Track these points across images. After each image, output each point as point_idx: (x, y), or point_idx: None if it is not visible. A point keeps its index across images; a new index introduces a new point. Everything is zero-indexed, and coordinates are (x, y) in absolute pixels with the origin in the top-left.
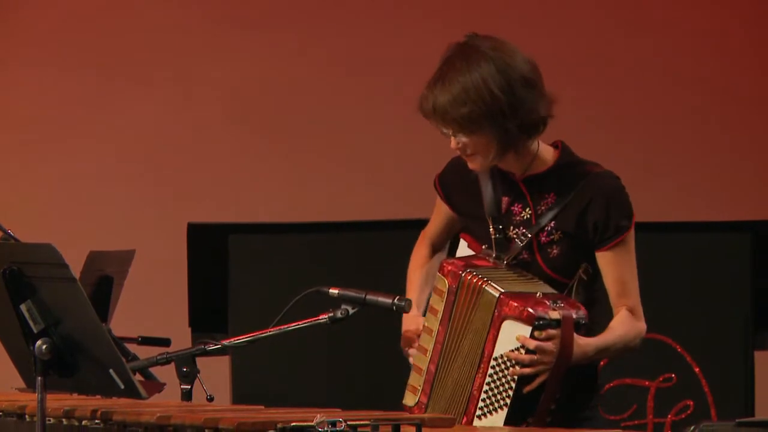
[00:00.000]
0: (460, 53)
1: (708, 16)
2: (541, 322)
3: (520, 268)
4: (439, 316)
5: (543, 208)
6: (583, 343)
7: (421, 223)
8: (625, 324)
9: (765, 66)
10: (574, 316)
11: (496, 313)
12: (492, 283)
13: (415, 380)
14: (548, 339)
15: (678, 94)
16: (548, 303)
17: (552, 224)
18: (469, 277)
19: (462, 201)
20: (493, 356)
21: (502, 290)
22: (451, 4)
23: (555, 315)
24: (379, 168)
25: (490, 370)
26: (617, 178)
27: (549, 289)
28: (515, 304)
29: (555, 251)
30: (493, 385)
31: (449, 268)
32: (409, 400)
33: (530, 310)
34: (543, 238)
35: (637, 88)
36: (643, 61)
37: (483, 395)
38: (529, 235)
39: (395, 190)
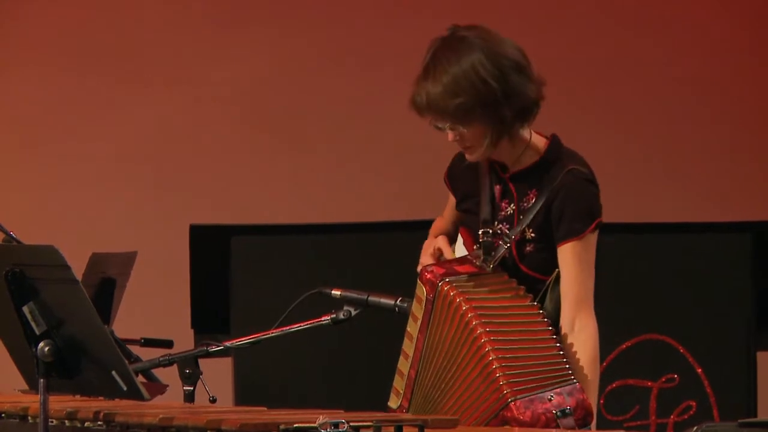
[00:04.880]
0: (446, 45)
1: (710, 16)
2: None
3: (503, 270)
4: (419, 323)
5: (525, 204)
6: None
7: (425, 224)
8: (589, 363)
9: (766, 66)
10: None
11: (501, 414)
12: (504, 371)
13: (398, 383)
14: None
15: (679, 94)
16: (554, 412)
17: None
18: (446, 288)
19: (464, 195)
20: None
21: (513, 396)
22: (456, 0)
23: None
24: (383, 169)
25: None
26: (587, 180)
27: (551, 354)
28: (521, 419)
29: (529, 248)
30: None
31: (428, 276)
32: (393, 402)
33: None
34: (519, 235)
35: (637, 88)
36: (644, 61)
37: None
38: (513, 237)
39: (398, 191)
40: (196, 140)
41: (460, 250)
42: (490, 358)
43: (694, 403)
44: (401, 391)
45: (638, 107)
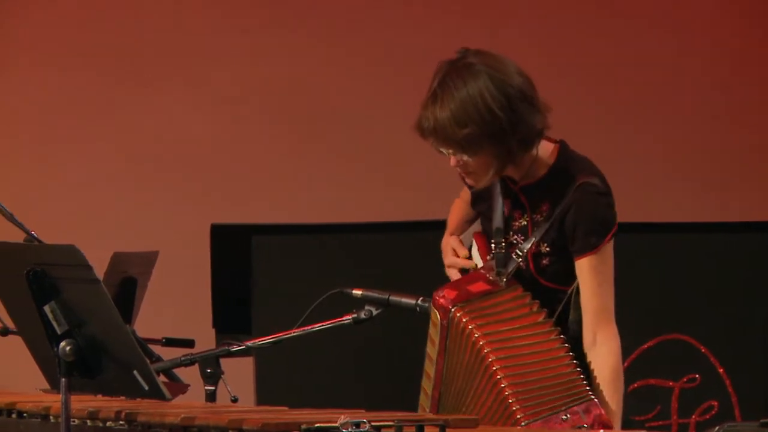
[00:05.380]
0: (454, 71)
1: (725, 15)
2: None
3: (518, 282)
4: (437, 347)
5: (538, 217)
6: None
7: (445, 225)
8: (611, 377)
9: None
10: None
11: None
12: (517, 397)
13: (424, 402)
14: None
15: (700, 92)
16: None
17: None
18: (458, 315)
19: (477, 196)
20: None
21: (527, 420)
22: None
23: None
24: (403, 169)
25: None
26: (598, 193)
27: (566, 372)
28: None
29: (545, 261)
30: None
31: (440, 302)
32: None
33: None
34: (534, 248)
35: (657, 86)
36: (664, 60)
37: None
38: (527, 250)
39: (419, 191)
40: (217, 140)
41: (476, 256)
42: (502, 386)
43: (715, 403)
44: (427, 410)
45: (659, 106)
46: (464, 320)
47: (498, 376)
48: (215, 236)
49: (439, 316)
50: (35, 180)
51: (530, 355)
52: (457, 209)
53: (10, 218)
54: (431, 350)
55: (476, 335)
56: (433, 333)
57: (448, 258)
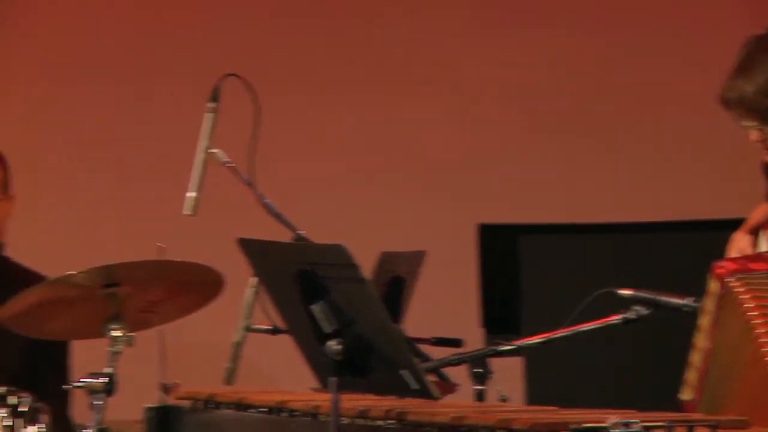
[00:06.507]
0: (763, 46)
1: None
2: None
3: None
4: (711, 317)
5: None
6: None
7: (712, 225)
8: None
9: None
10: None
11: None
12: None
13: (692, 376)
14: None
15: None
16: None
17: None
18: (734, 285)
19: None
20: None
21: None
22: None
23: None
24: (666, 169)
25: None
26: None
27: None
28: None
29: None
30: None
31: (720, 271)
32: (686, 394)
33: None
34: None
35: None
36: None
37: None
38: None
39: (684, 191)
40: (484, 139)
41: (764, 244)
42: None
43: None
44: (694, 384)
45: None
46: (740, 290)
47: (765, 349)
48: (483, 236)
49: (715, 286)
50: (304, 179)
51: None
52: (762, 209)
53: (279, 218)
54: (705, 321)
55: (749, 305)
56: (709, 303)
57: (732, 254)
